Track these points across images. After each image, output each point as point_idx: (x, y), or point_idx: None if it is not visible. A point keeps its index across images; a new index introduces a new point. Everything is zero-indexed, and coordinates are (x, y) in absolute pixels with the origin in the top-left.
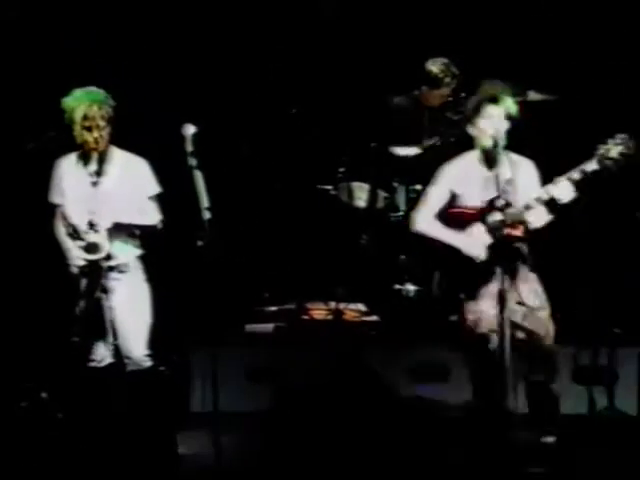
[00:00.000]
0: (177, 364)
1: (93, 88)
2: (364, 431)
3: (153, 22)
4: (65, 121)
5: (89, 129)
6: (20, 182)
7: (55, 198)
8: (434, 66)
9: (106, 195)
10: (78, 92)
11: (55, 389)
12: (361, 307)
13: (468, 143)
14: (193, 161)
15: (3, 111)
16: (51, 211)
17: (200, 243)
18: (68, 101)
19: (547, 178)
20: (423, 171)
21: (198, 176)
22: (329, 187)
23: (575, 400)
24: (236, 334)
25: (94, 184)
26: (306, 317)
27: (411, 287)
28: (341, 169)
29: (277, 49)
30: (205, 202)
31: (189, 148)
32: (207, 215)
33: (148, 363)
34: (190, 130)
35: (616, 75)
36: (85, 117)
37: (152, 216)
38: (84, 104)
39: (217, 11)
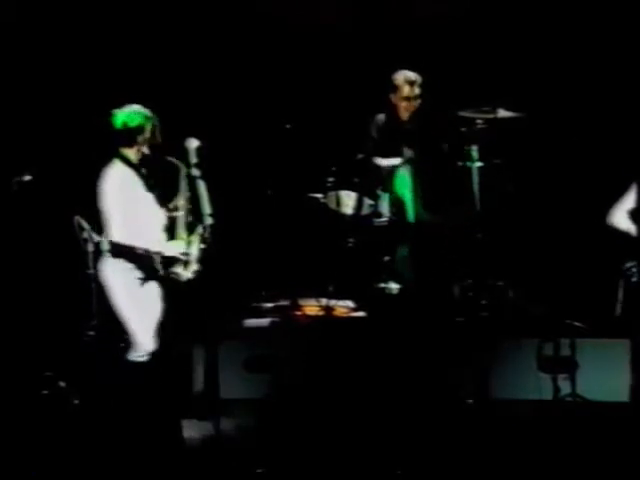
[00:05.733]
0: (183, 355)
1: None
2: (352, 413)
3: (155, 38)
4: (123, 132)
5: (154, 136)
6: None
7: (109, 205)
8: (397, 75)
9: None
10: (138, 109)
11: (72, 378)
12: (349, 304)
13: (443, 156)
14: (196, 172)
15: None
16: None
17: (203, 246)
18: (134, 115)
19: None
20: None
21: (201, 185)
22: (319, 195)
23: (541, 387)
24: (235, 328)
25: (151, 193)
26: (299, 313)
27: (394, 285)
28: (330, 179)
29: (276, 72)
30: (207, 209)
31: (193, 160)
32: (209, 221)
33: (153, 353)
34: (194, 144)
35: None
36: (153, 127)
37: None
38: (151, 117)
39: (215, 33)
